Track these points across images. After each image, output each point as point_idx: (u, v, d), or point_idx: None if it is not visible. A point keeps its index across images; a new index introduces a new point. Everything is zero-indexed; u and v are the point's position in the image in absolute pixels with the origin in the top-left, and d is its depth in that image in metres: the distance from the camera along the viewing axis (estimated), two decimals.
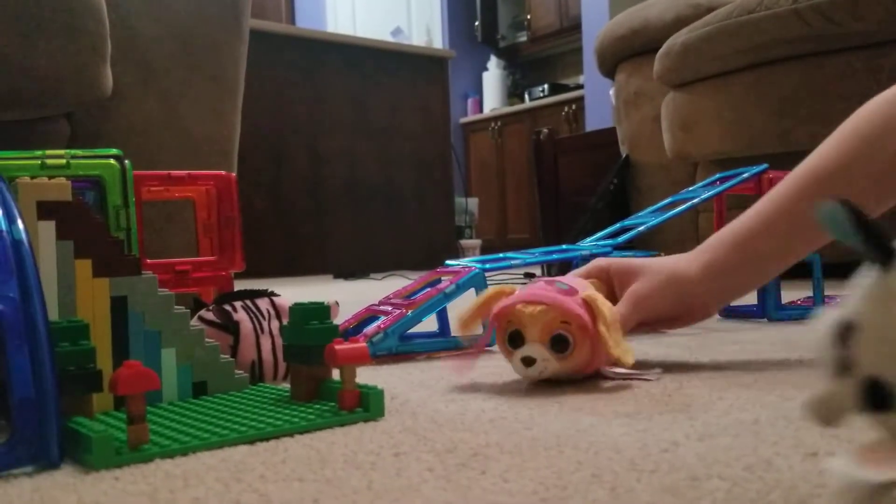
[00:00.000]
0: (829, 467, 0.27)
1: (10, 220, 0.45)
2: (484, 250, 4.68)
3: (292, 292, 0.67)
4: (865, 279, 0.28)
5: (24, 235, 0.45)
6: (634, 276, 0.68)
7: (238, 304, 0.64)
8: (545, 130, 2.54)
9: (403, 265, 3.61)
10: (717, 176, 1.09)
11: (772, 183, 1.04)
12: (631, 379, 0.62)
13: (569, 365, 0.59)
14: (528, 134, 5.49)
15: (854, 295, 0.28)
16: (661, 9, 2.03)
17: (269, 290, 0.68)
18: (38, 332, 0.43)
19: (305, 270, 3.34)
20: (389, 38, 5.21)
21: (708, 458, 0.39)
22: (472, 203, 4.63)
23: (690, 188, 1.08)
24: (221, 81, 1.17)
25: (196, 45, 1.14)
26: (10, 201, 0.47)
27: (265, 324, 0.64)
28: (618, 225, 0.99)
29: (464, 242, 4.11)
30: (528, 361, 0.58)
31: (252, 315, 0.64)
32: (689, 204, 1.01)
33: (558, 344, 0.58)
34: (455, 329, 0.65)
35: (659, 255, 0.76)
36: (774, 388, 0.57)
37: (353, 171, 3.51)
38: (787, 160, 1.59)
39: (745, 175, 1.03)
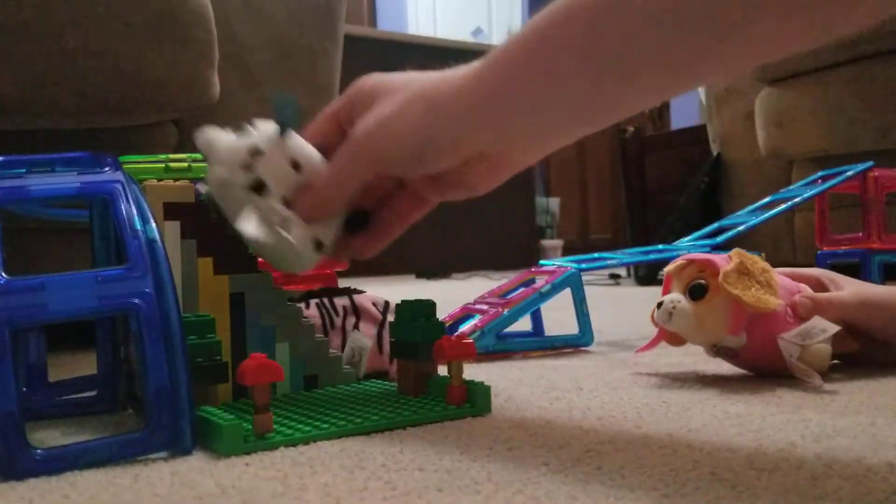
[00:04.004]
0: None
1: (144, 220, 0.48)
2: (566, 251, 4.65)
3: (377, 292, 0.69)
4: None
5: (157, 234, 0.48)
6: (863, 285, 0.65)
7: (313, 301, 0.66)
8: (631, 129, 2.51)
9: (484, 265, 3.63)
10: (819, 174, 1.05)
11: (877, 181, 1.01)
12: (801, 376, 0.59)
13: (704, 309, 0.61)
14: (610, 133, 5.42)
15: (256, 132, 0.48)
16: None
17: (351, 287, 0.70)
18: (171, 325, 0.45)
19: (388, 270, 3.39)
20: (470, 39, 5.23)
21: (827, 458, 0.39)
22: (554, 203, 4.61)
23: (790, 187, 1.05)
24: (318, 87, 1.20)
25: (294, 52, 1.18)
26: (143, 202, 0.50)
27: (337, 320, 0.66)
28: (715, 225, 0.98)
29: (545, 242, 4.10)
30: (659, 305, 0.63)
31: (324, 312, 0.66)
32: (790, 203, 0.98)
33: (696, 291, 0.62)
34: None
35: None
36: (889, 391, 0.56)
37: None
38: (888, 157, 1.54)
39: (850, 173, 0.99)
